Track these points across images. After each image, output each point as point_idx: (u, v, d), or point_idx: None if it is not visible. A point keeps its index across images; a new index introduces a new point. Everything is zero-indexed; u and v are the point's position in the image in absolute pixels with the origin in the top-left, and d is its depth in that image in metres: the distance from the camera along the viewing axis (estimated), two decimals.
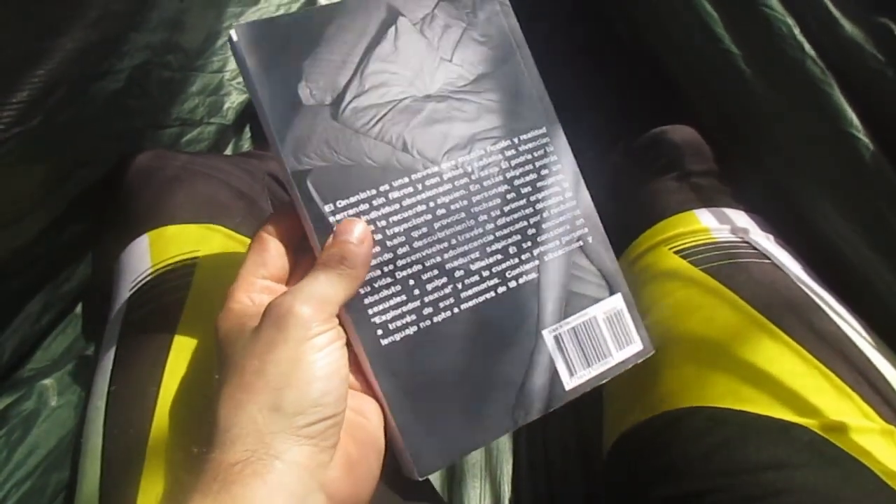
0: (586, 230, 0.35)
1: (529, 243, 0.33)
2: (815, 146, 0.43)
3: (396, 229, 0.31)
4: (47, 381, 0.41)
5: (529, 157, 0.34)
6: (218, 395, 0.26)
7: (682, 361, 0.36)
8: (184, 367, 0.34)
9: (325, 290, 0.27)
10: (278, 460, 0.24)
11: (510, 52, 0.36)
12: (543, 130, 0.35)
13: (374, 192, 0.31)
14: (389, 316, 0.30)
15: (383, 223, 0.31)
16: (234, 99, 0.65)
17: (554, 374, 0.33)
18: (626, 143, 0.54)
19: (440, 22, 0.35)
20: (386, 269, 0.30)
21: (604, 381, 0.34)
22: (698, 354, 0.36)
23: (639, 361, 0.34)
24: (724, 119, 0.51)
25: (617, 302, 0.35)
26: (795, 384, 0.32)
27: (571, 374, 0.33)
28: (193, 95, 0.61)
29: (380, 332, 0.30)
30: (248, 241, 0.43)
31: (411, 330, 0.30)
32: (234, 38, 0.30)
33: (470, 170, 0.33)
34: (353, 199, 0.30)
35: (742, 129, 0.49)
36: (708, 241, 0.41)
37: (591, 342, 0.34)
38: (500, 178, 0.33)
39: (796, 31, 0.47)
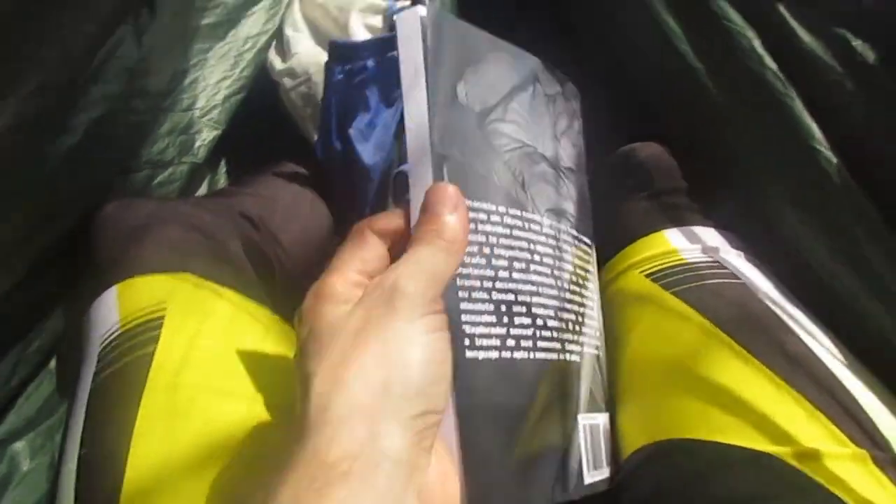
0: (601, 343, 0.38)
1: (579, 328, 0.35)
2: (781, 160, 0.43)
3: (502, 252, 0.31)
4: (19, 445, 0.40)
5: (582, 258, 0.37)
6: (311, 376, 0.23)
7: (657, 393, 0.36)
8: (152, 429, 0.33)
9: (429, 266, 0.26)
10: (386, 459, 0.21)
11: (583, 165, 0.41)
12: (590, 244, 0.40)
13: (494, 207, 0.31)
14: (478, 331, 0.29)
15: (493, 240, 0.31)
16: (206, 136, 0.64)
17: (580, 462, 0.32)
18: (597, 161, 0.54)
19: (559, 107, 0.40)
20: (485, 285, 0.30)
21: (594, 492, 0.33)
22: (672, 384, 0.36)
23: (596, 492, 0.33)
24: (691, 134, 0.51)
25: (606, 420, 0.36)
26: (767, 410, 0.32)
27: (589, 469, 0.33)
28: (163, 136, 0.61)
29: (467, 341, 0.28)
30: (218, 287, 0.43)
31: (493, 354, 0.29)
32: (422, 13, 0.31)
33: (558, 236, 0.35)
34: (476, 204, 0.30)
35: (709, 145, 0.49)
36: (678, 262, 0.41)
37: (597, 447, 0.34)
38: (570, 259, 0.35)
39: (756, 43, 0.47)
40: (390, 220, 0.29)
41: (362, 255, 0.28)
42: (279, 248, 0.55)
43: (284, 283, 0.55)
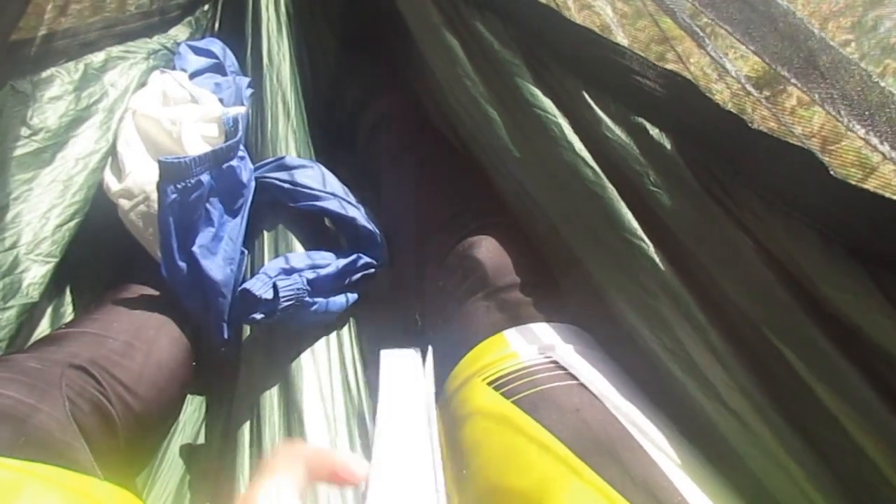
0: None
1: None
2: (603, 250, 0.45)
3: None
4: None
5: None
6: None
7: None
8: None
9: None
10: None
11: None
12: None
13: None
14: None
15: None
16: (36, 273, 0.59)
17: None
18: (440, 258, 0.54)
19: None
20: None
21: None
22: None
23: None
24: (525, 221, 0.52)
25: None
26: None
27: None
28: None
29: None
30: (14, 462, 0.39)
31: None
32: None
33: None
34: None
35: (540, 232, 0.50)
36: (517, 367, 0.41)
37: None
38: None
39: (567, 131, 0.48)
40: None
41: None
42: (124, 392, 0.51)
43: (132, 430, 0.51)
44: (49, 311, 0.65)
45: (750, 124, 0.40)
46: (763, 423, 0.37)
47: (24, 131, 0.63)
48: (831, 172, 0.36)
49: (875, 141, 0.31)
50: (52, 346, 0.52)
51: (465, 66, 0.53)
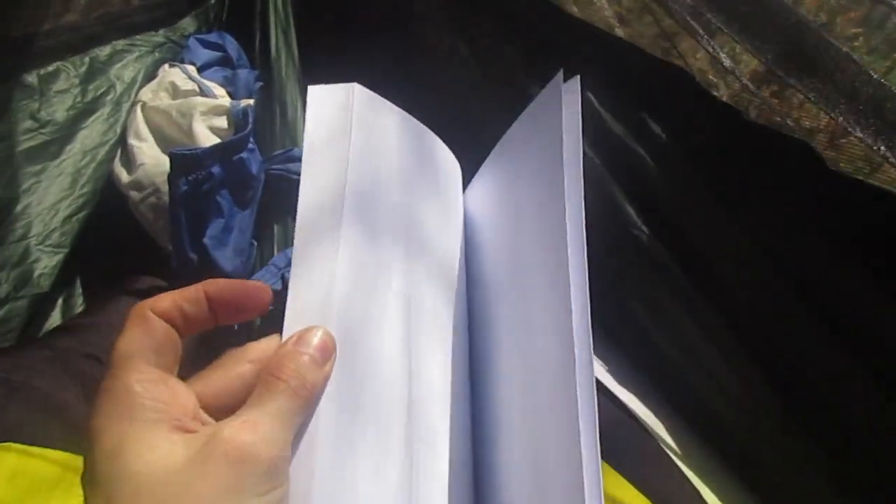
0: None
1: None
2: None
3: None
4: None
5: None
6: None
7: None
8: None
9: (286, 426, 0.22)
10: None
11: None
12: None
13: None
14: None
15: None
16: (46, 263, 0.60)
17: None
18: None
19: None
20: None
21: None
22: None
23: None
24: None
25: None
26: None
27: None
28: None
29: None
30: (51, 452, 0.40)
31: None
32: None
33: None
34: None
35: None
36: None
37: None
38: None
39: None
40: (175, 302, 0.25)
41: (152, 344, 0.23)
42: None
43: None
44: (60, 302, 0.65)
45: (748, 118, 0.41)
46: (764, 413, 0.39)
47: (32, 124, 0.63)
48: (829, 166, 0.37)
49: (870, 140, 0.33)
50: (65, 337, 0.53)
51: (469, 63, 0.54)
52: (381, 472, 0.24)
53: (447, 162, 0.33)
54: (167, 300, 0.24)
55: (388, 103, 0.30)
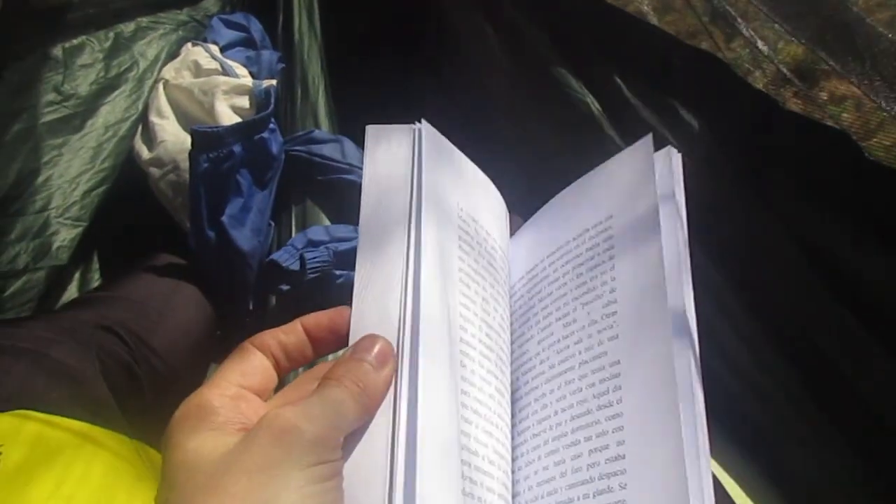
0: None
1: None
2: None
3: None
4: None
5: None
6: None
7: None
8: None
9: (334, 411, 0.23)
10: None
11: None
12: None
13: None
14: None
15: None
16: (65, 236, 0.60)
17: None
18: None
19: None
20: None
21: None
22: None
23: None
24: None
25: None
26: None
27: None
28: (12, 243, 0.56)
29: None
30: (71, 422, 0.40)
31: None
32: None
33: None
34: None
35: None
36: None
37: None
38: None
39: (595, 110, 0.49)
40: (275, 336, 0.26)
41: (242, 368, 0.25)
42: (151, 355, 0.52)
43: (158, 392, 0.51)
44: (77, 275, 0.66)
45: (783, 106, 0.40)
46: (789, 406, 0.38)
47: (55, 97, 0.64)
48: (866, 155, 0.36)
49: None
50: (82, 309, 0.53)
51: (497, 47, 0.53)
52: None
53: (498, 204, 0.34)
54: (267, 335, 0.26)
55: (450, 146, 0.31)
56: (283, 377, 0.27)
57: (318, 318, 0.27)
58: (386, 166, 0.29)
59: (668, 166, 0.30)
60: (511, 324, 0.33)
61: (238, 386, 0.25)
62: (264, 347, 0.26)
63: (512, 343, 0.32)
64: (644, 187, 0.29)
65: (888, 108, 0.33)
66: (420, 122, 0.30)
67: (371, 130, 0.30)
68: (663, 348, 0.25)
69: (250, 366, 0.25)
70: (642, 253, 0.28)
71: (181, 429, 0.23)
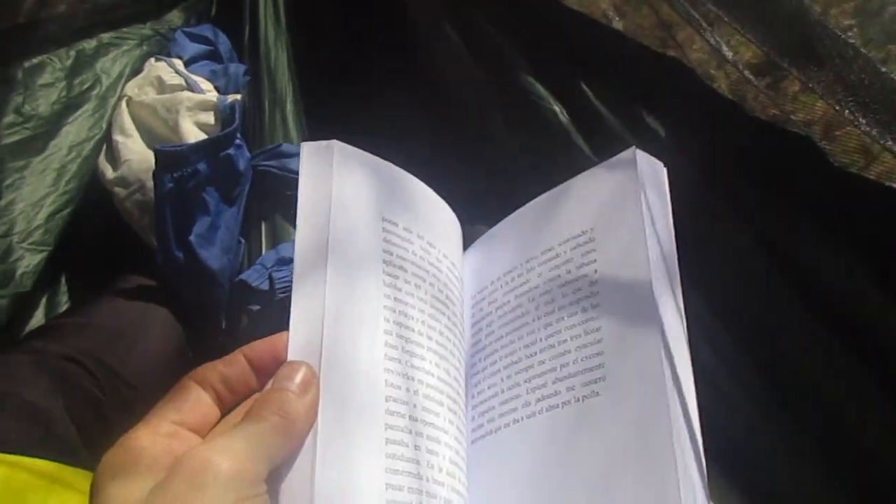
0: None
1: None
2: None
3: None
4: None
5: None
6: None
7: None
8: None
9: (256, 443, 0.22)
10: None
11: None
12: None
13: None
14: None
15: None
16: (29, 262, 0.59)
17: None
18: None
19: None
20: None
21: None
22: None
23: None
24: None
25: None
26: None
27: None
28: None
29: None
30: (39, 463, 0.39)
31: None
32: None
33: None
34: None
35: None
36: None
37: None
38: None
39: (563, 119, 0.49)
40: (216, 368, 0.26)
41: (177, 404, 0.25)
42: (121, 384, 0.51)
43: (126, 414, 0.50)
44: (44, 301, 0.64)
45: (749, 112, 0.40)
46: (759, 416, 0.38)
47: (16, 118, 0.62)
48: (831, 160, 0.36)
49: (875, 132, 0.31)
50: (48, 339, 0.52)
51: (465, 56, 0.53)
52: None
53: (430, 202, 0.33)
54: (207, 368, 0.26)
55: (366, 156, 0.31)
56: (229, 410, 0.26)
57: (259, 347, 0.27)
58: (309, 189, 0.29)
59: (656, 180, 0.29)
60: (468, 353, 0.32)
61: (173, 423, 0.24)
62: (204, 381, 0.26)
63: (469, 375, 0.31)
64: (630, 206, 0.29)
65: (854, 119, 0.32)
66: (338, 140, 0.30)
67: (305, 149, 0.29)
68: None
69: (187, 401, 0.25)
70: (627, 278, 0.28)
71: (106, 474, 0.22)
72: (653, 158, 0.29)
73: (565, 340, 0.28)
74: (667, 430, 0.24)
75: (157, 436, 0.23)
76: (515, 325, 0.30)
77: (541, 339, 0.29)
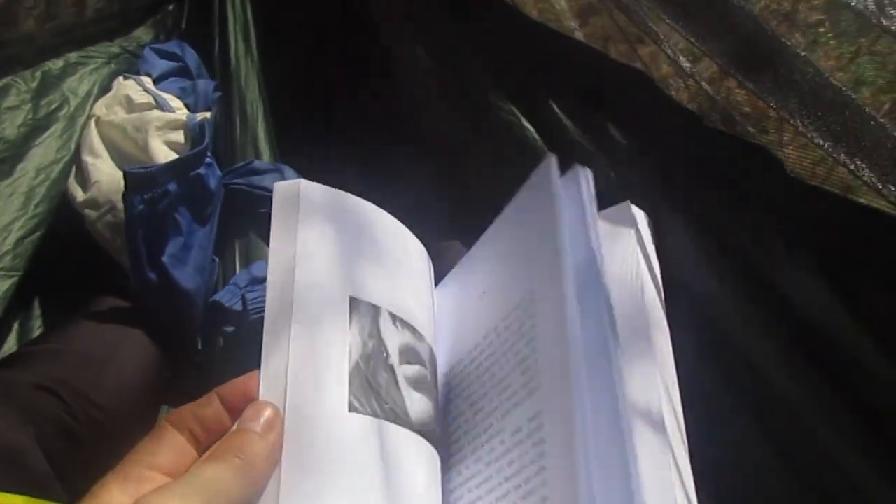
0: None
1: None
2: None
3: None
4: None
5: None
6: None
7: None
8: None
9: (211, 486, 0.22)
10: None
11: None
12: None
13: None
14: None
15: None
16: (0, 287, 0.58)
17: None
18: None
19: None
20: None
21: None
22: None
23: None
24: None
25: None
26: None
27: None
28: None
29: None
30: (10, 498, 0.38)
31: None
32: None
33: None
34: None
35: None
36: None
37: None
38: None
39: (531, 134, 0.49)
40: (192, 410, 0.26)
41: (151, 447, 0.25)
42: (95, 410, 0.51)
43: (100, 439, 0.50)
44: (16, 326, 0.64)
45: (707, 123, 0.40)
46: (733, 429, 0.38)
47: None
48: (788, 171, 0.36)
49: (827, 145, 0.32)
50: (16, 367, 0.51)
51: (431, 70, 0.53)
52: None
53: (397, 237, 0.34)
54: (184, 409, 0.26)
55: (333, 195, 0.31)
56: (205, 451, 0.26)
57: (232, 387, 0.27)
58: (279, 234, 0.29)
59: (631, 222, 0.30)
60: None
61: (146, 467, 0.24)
62: (180, 423, 0.26)
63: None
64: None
65: (808, 132, 0.33)
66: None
67: (277, 191, 0.29)
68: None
69: (160, 445, 0.25)
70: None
71: None
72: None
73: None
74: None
75: (128, 482, 0.23)
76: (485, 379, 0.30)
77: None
